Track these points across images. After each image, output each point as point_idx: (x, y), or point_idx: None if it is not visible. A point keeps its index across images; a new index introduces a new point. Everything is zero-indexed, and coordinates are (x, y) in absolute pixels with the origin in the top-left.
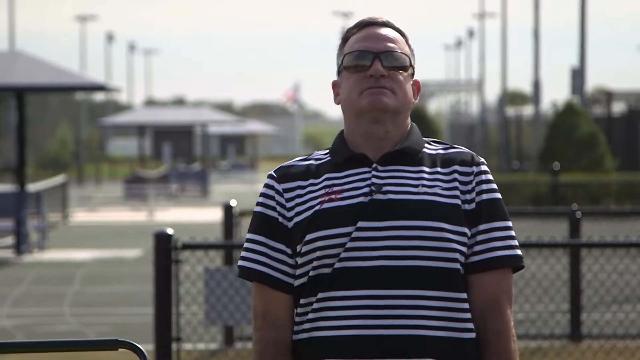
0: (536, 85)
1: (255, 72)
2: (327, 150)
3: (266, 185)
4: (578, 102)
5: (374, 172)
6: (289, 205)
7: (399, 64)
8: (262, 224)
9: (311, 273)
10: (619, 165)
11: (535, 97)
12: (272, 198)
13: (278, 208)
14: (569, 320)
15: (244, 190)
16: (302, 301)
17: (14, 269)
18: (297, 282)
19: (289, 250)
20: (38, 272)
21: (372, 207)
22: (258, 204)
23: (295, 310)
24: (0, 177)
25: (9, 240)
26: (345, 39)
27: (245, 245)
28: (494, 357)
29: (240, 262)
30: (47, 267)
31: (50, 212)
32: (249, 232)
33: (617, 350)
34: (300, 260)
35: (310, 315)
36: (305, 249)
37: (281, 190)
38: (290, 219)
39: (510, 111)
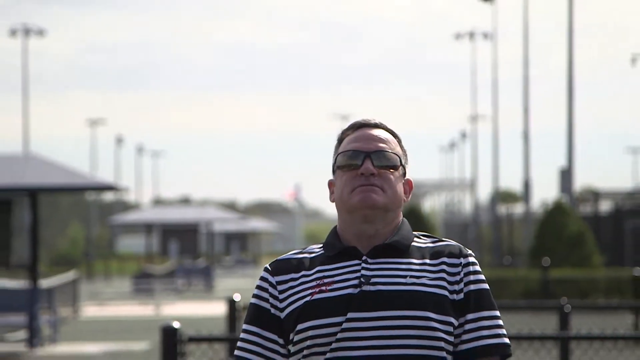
0: (526, 184)
1: (258, 173)
2: (322, 245)
3: (261, 278)
4: (567, 201)
5: (363, 265)
6: (281, 296)
7: (390, 164)
8: (256, 315)
9: None
10: (607, 261)
11: (525, 196)
12: (265, 290)
13: (271, 300)
14: None
15: (247, 285)
16: None
17: None
18: None
19: (280, 340)
20: None
21: (361, 298)
22: (253, 296)
23: None
24: (14, 274)
25: (22, 334)
26: (340, 139)
27: (241, 335)
28: None
29: (235, 352)
30: None
31: (62, 307)
32: (245, 323)
33: None
34: (292, 348)
35: None
36: (297, 338)
37: (274, 283)
38: (282, 310)
39: (502, 209)
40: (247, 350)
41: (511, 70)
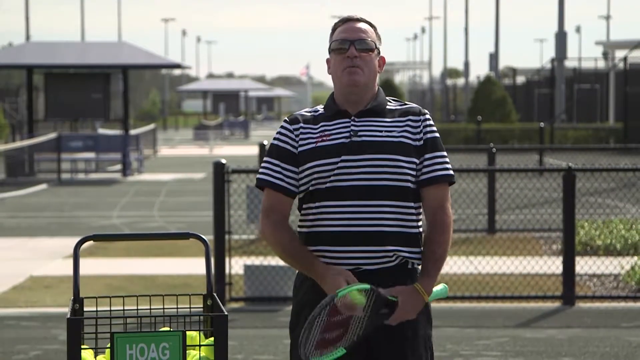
0: (466, 64)
1: (281, 55)
2: (323, 106)
3: (281, 127)
4: (494, 76)
5: (352, 122)
6: (297, 138)
7: (368, 48)
8: (277, 152)
9: (310, 188)
10: (521, 117)
11: (465, 72)
12: (285, 135)
13: (289, 141)
14: (487, 220)
15: (273, 134)
16: (304, 206)
17: (121, 185)
18: (300, 195)
19: (294, 169)
20: (137, 188)
21: (351, 146)
22: (274, 139)
23: (299, 212)
24: (112, 125)
25: (118, 166)
26: (333, 29)
27: (262, 165)
28: (437, 227)
29: (257, 176)
30: (143, 185)
31: (145, 148)
32: (266, 157)
33: (518, 239)
34: (301, 180)
35: (311, 217)
36: (306, 172)
37: (292, 129)
38: (297, 148)
39: (449, 82)
40: (270, 175)
41: None
